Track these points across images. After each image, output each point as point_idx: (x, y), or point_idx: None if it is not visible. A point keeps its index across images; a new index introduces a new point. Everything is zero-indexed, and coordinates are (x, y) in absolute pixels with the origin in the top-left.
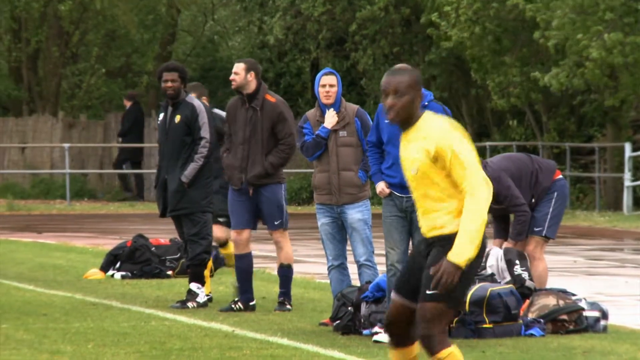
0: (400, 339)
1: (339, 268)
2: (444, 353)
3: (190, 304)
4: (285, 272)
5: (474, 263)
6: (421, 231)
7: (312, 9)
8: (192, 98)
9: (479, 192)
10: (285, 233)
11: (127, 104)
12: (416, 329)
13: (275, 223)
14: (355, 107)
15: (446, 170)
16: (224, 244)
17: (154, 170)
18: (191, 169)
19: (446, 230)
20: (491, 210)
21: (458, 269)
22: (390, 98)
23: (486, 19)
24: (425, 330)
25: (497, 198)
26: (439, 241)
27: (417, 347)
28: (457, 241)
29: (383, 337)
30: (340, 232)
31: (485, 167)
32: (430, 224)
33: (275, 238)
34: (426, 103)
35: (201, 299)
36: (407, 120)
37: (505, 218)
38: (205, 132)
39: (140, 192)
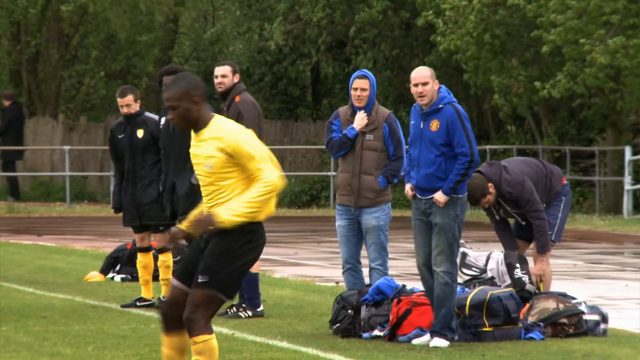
0: (174, 324)
1: (351, 271)
2: (200, 338)
3: None
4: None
5: (246, 252)
6: None
7: (311, 14)
8: None
9: (270, 179)
10: None
11: (6, 103)
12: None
13: None
14: (387, 112)
15: (240, 166)
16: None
17: None
18: None
19: None
20: (505, 214)
21: (213, 223)
22: (169, 113)
23: (494, 25)
24: (189, 313)
25: (518, 202)
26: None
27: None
28: (230, 204)
29: (439, 342)
30: (357, 235)
31: (506, 170)
32: None
33: None
34: (440, 106)
35: None
36: (193, 125)
37: (507, 225)
38: None
39: (17, 193)
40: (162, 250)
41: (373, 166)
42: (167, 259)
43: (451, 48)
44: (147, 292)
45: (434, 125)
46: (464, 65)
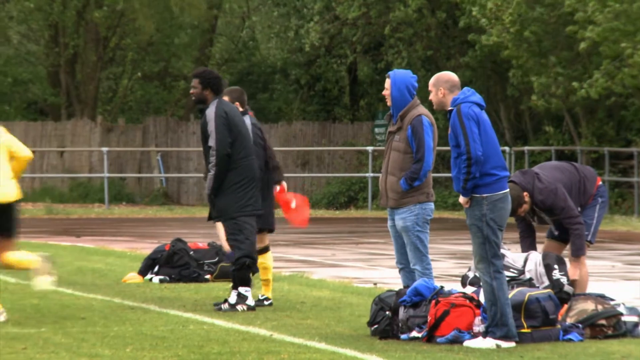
0: None
1: (403, 271)
2: None
3: (240, 307)
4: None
5: None
6: None
7: (347, 12)
8: (212, 104)
9: None
10: None
11: None
12: None
13: None
14: (418, 113)
15: None
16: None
17: (192, 174)
18: (208, 179)
19: None
20: (539, 221)
21: None
22: None
23: (531, 22)
24: None
25: (553, 210)
26: None
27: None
28: None
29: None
30: (402, 235)
31: (538, 178)
32: None
33: None
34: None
35: (250, 302)
36: None
37: (532, 233)
38: (212, 141)
39: None
40: (261, 251)
41: (397, 167)
42: (264, 261)
43: (490, 44)
44: (267, 292)
45: None
46: (514, 62)
